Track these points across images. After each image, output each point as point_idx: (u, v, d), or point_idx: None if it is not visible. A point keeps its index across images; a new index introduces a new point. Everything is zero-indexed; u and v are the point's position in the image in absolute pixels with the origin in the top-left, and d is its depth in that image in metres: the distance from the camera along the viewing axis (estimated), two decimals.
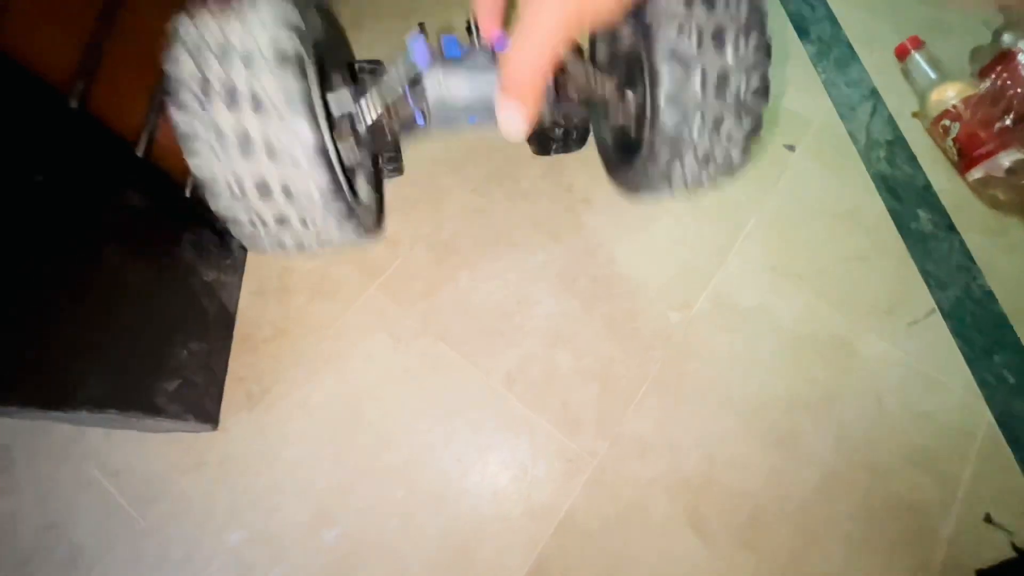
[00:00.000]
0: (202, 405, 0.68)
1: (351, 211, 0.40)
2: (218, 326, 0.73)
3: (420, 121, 0.40)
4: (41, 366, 0.43)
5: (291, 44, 0.34)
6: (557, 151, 0.75)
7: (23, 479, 0.73)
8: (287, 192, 0.36)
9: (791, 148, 0.98)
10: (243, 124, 0.34)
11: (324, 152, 0.36)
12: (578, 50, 0.43)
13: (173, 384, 0.61)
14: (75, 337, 0.48)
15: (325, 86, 0.39)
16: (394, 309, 0.84)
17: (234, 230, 0.41)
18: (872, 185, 0.95)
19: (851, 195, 0.94)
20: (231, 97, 0.33)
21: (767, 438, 0.76)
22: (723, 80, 0.37)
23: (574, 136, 0.68)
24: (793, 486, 0.75)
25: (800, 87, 1.04)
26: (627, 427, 0.76)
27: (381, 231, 0.53)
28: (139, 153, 0.58)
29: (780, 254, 0.88)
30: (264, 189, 0.36)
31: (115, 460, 0.74)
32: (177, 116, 0.35)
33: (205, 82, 0.34)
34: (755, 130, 0.40)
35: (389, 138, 0.42)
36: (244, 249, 0.82)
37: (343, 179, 0.40)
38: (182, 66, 0.34)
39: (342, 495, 0.72)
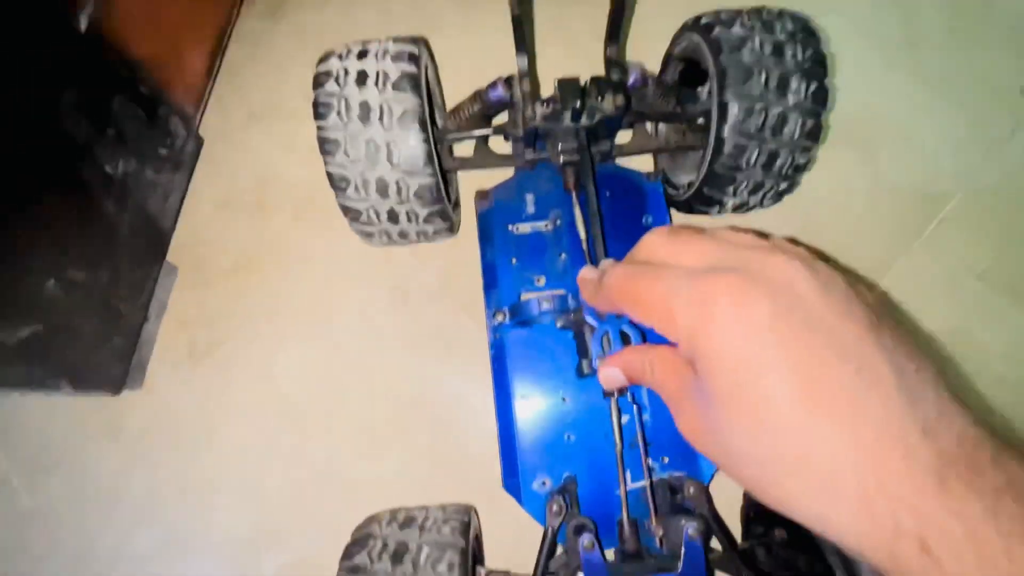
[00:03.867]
0: (92, 364, 0.46)
1: (446, 211, 0.49)
2: (133, 247, 0.50)
3: None
4: None
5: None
6: None
7: None
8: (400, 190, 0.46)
9: None
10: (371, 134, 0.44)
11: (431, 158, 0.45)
12: None
13: (20, 332, 0.38)
14: None
15: None
16: (404, 255, 0.59)
17: (353, 226, 0.49)
18: None
19: None
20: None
21: None
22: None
23: None
24: None
25: None
26: None
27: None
28: None
29: (993, 254, 0.57)
30: (383, 188, 0.45)
31: (1, 412, 0.55)
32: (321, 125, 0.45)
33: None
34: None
35: None
36: (198, 138, 0.57)
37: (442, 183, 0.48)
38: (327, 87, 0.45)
39: (298, 506, 0.51)
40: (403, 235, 0.50)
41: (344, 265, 0.59)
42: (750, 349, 0.18)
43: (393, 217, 0.47)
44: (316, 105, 0.44)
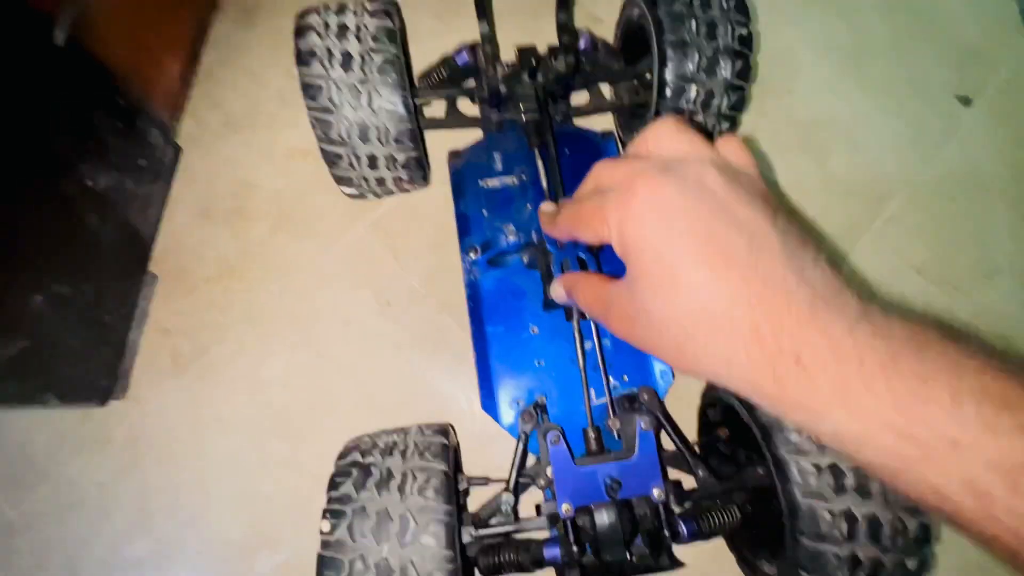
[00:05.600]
0: (78, 378, 0.46)
1: (421, 159, 0.52)
2: (116, 258, 0.50)
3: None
4: None
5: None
6: None
7: None
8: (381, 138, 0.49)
9: (965, 101, 0.70)
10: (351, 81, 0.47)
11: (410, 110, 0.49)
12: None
13: (8, 350, 0.38)
14: None
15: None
16: (388, 260, 0.61)
17: (334, 172, 0.52)
18: None
19: None
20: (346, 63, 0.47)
21: None
22: None
23: None
24: None
25: (987, 14, 0.74)
26: None
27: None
28: None
29: (933, 249, 0.63)
30: (364, 132, 0.49)
31: None
32: (303, 72, 0.47)
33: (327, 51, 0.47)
34: None
35: None
36: (175, 147, 0.57)
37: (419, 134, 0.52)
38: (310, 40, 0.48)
39: (291, 510, 0.52)
40: (380, 182, 0.53)
41: (326, 271, 0.60)
42: (663, 228, 0.22)
43: (373, 162, 0.51)
44: (299, 53, 0.47)
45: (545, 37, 0.55)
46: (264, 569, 0.51)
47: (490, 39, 0.51)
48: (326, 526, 0.36)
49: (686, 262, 0.21)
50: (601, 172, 0.26)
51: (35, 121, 0.39)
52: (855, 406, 0.18)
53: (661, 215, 0.22)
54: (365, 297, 0.59)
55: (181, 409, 0.55)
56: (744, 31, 0.50)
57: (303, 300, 0.59)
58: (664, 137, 0.25)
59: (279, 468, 0.54)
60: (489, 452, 0.52)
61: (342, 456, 0.40)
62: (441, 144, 0.58)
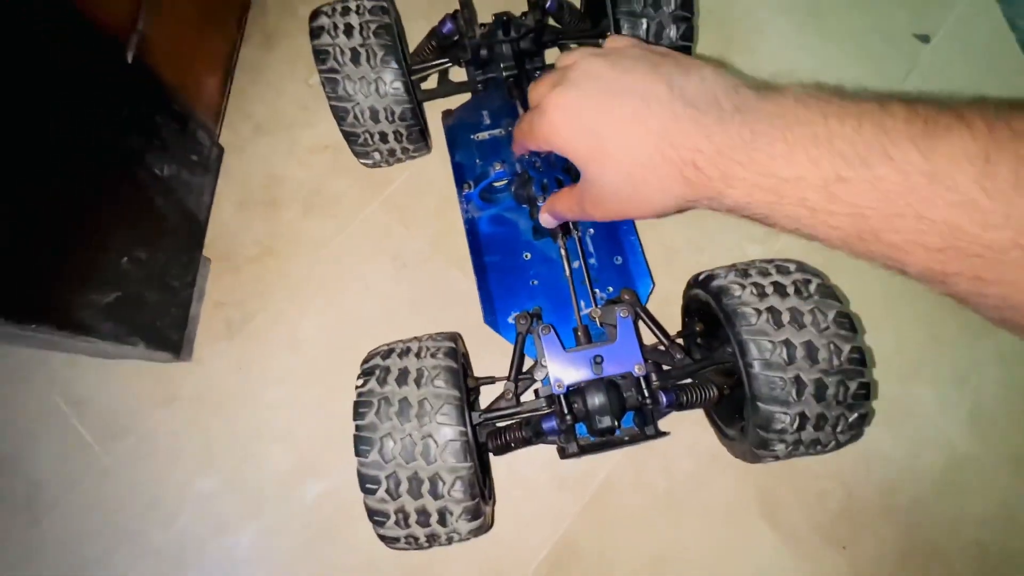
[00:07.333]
0: (156, 328, 0.56)
1: (423, 130, 0.60)
2: (179, 235, 0.60)
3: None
4: None
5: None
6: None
7: None
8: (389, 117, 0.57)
9: (924, 39, 0.74)
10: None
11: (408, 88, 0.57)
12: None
13: (107, 297, 0.48)
14: None
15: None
16: (399, 229, 0.69)
17: (353, 148, 0.61)
18: None
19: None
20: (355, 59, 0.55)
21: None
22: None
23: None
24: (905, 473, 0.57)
25: None
26: None
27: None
28: None
29: None
30: (374, 115, 0.56)
31: (79, 389, 0.65)
32: (320, 69, 0.55)
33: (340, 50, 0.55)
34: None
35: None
36: (219, 147, 0.68)
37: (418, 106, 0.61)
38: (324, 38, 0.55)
39: (330, 445, 0.60)
40: (391, 152, 0.62)
41: (349, 245, 0.69)
42: (576, 127, 0.29)
43: (384, 138, 0.59)
44: (316, 52, 0.55)
45: (521, 4, 0.63)
46: (311, 493, 0.59)
47: (467, 4, 0.59)
48: (359, 382, 0.43)
49: (603, 141, 0.28)
50: (532, 92, 0.33)
51: (115, 121, 0.50)
52: (734, 181, 0.24)
53: (570, 119, 0.29)
54: (383, 262, 0.68)
55: (234, 367, 0.65)
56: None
57: (330, 270, 0.68)
58: (568, 56, 0.32)
59: (318, 410, 0.62)
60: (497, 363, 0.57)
61: (365, 361, 0.46)
62: (437, 107, 0.67)
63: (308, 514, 0.59)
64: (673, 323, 0.54)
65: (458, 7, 0.59)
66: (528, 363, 0.49)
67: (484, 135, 0.61)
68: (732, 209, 0.26)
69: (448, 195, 0.67)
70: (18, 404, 0.64)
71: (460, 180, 0.60)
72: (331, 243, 0.70)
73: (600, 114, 0.28)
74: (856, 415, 0.41)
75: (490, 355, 0.55)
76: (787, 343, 0.41)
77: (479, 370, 0.54)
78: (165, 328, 0.57)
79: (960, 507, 0.56)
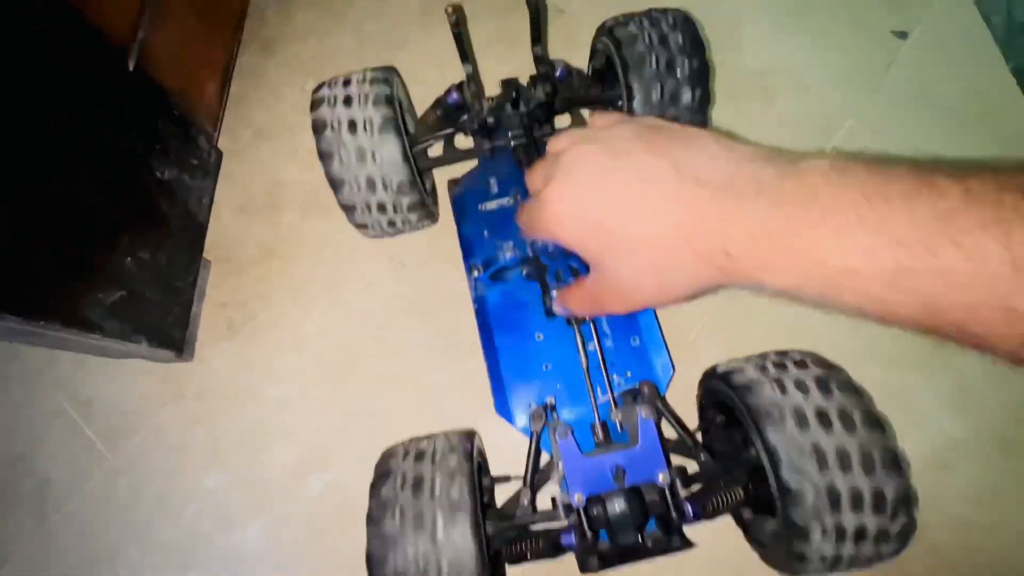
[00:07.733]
0: (160, 327, 0.58)
1: (424, 200, 0.58)
2: (180, 237, 0.62)
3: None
4: None
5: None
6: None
7: None
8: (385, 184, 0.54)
9: (902, 35, 0.77)
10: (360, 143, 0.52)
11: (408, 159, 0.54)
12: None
13: (112, 296, 0.50)
14: None
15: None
16: None
17: (349, 216, 0.58)
18: (1012, 83, 0.73)
19: (982, 97, 0.72)
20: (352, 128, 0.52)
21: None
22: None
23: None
24: None
25: None
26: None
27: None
28: None
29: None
30: (371, 184, 0.54)
31: (87, 389, 0.66)
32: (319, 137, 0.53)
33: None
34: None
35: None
36: (218, 151, 0.70)
37: (418, 177, 0.57)
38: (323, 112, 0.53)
39: (333, 440, 0.62)
40: (391, 224, 0.59)
41: (348, 246, 0.71)
42: (580, 222, 0.27)
43: (382, 208, 0.56)
44: (314, 123, 0.53)
45: (523, 63, 0.60)
46: (315, 486, 0.61)
47: (474, 77, 0.55)
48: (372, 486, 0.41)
49: (613, 232, 0.25)
50: (530, 180, 0.32)
51: (117, 126, 0.52)
52: (779, 272, 0.22)
53: (571, 211, 0.27)
54: (382, 262, 0.70)
55: (237, 366, 0.66)
56: (697, 63, 0.52)
57: (331, 270, 0.70)
58: (558, 141, 0.30)
59: (321, 406, 0.64)
60: (510, 452, 0.53)
61: (379, 464, 0.44)
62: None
63: (314, 507, 0.60)
64: (687, 411, 0.50)
65: (465, 78, 0.55)
66: (544, 457, 0.47)
67: (492, 204, 0.59)
68: (779, 295, 0.23)
69: (447, 194, 0.68)
70: (28, 405, 0.66)
71: (468, 257, 0.57)
72: (331, 244, 0.71)
73: (603, 201, 0.26)
74: (899, 526, 0.38)
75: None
76: (817, 448, 0.37)
77: (485, 413, 0.53)
78: (168, 327, 0.59)
79: (945, 485, 0.58)
